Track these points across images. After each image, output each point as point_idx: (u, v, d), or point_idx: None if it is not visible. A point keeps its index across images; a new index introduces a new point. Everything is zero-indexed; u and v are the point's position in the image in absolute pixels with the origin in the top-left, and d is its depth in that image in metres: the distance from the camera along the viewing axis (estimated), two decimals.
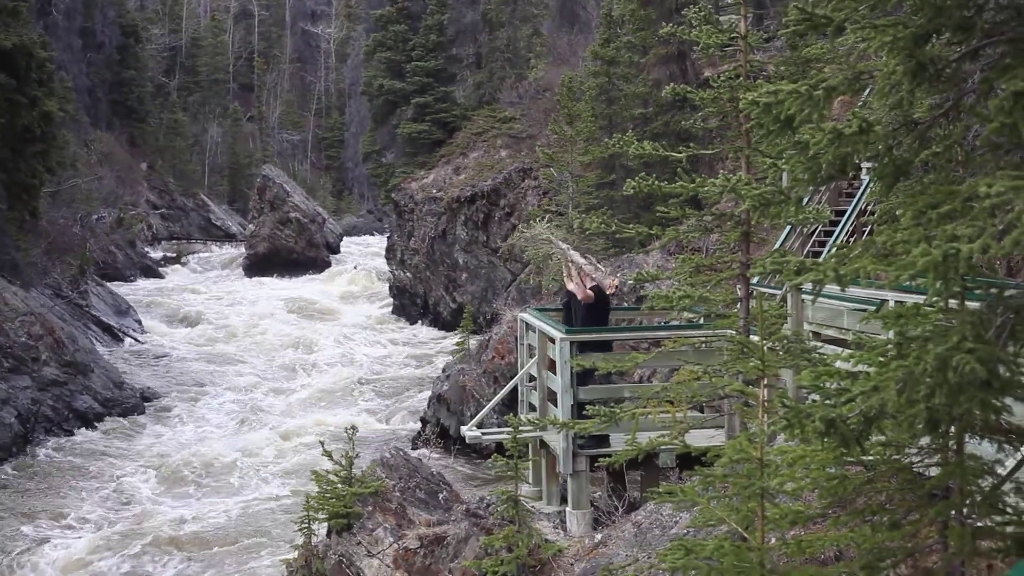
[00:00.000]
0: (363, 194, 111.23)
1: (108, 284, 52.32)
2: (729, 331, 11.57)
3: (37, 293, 37.33)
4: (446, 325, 47.66)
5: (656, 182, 11.32)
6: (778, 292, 16.15)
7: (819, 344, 12.98)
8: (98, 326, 43.50)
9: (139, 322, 47.85)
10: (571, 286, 17.36)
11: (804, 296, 14.57)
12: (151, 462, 27.10)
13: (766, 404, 7.75)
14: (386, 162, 60.96)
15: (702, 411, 15.46)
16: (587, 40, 48.28)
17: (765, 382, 7.83)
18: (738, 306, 11.41)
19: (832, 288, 7.14)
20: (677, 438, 11.25)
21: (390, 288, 55.04)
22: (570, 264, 17.53)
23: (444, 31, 56.04)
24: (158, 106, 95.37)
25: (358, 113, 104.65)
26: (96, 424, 30.55)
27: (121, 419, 31.32)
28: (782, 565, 8.04)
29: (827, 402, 6.41)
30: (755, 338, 9.18)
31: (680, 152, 11.73)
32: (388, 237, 58.93)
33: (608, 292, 16.91)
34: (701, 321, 14.14)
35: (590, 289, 16.79)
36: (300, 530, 15.60)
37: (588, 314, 16.81)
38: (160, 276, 67.07)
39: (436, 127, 54.29)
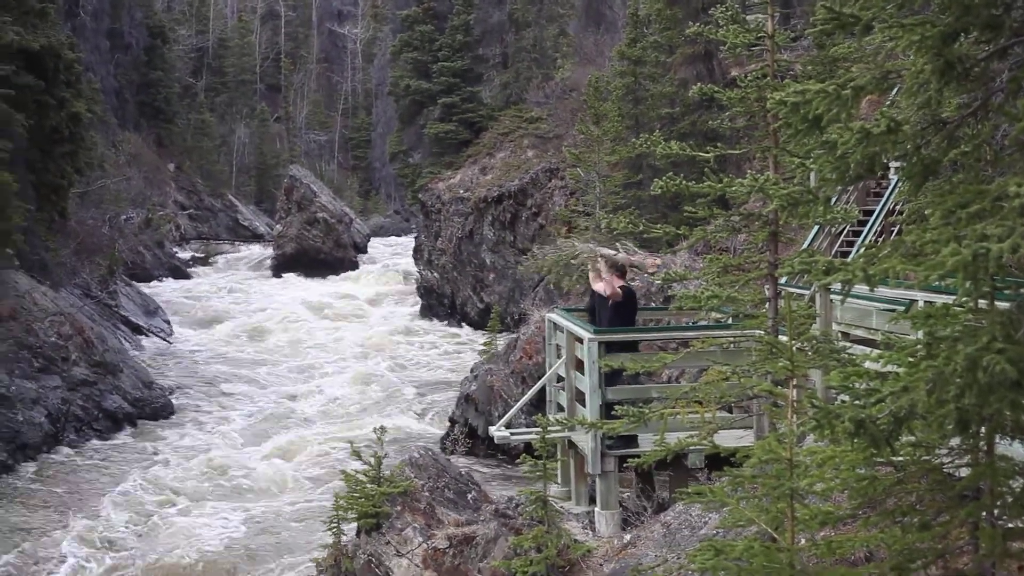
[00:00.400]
0: (390, 194, 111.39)
1: (137, 284, 52.52)
2: (757, 331, 11.55)
3: (66, 293, 37.50)
4: (473, 325, 47.70)
5: (684, 182, 11.31)
6: (806, 292, 16.10)
7: (848, 344, 12.94)
8: (127, 326, 43.66)
9: (168, 322, 48.02)
10: (598, 286, 17.34)
11: (833, 296, 14.53)
12: (179, 462, 27.18)
13: (795, 404, 7.73)
14: (413, 162, 61.07)
15: (731, 411, 15.44)
16: (613, 40, 48.26)
17: (794, 382, 7.82)
18: (766, 306, 11.39)
19: (861, 288, 7.12)
20: (706, 439, 11.23)
21: (417, 288, 55.10)
22: (598, 263, 17.50)
23: (470, 31, 56.10)
24: (185, 107, 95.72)
25: (385, 113, 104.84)
26: (126, 424, 30.66)
27: (150, 419, 31.44)
28: (812, 566, 8.02)
29: (857, 402, 6.39)
30: (784, 338, 9.16)
31: (708, 152, 11.72)
32: (415, 237, 59.02)
33: (650, 271, 16.85)
34: (729, 321, 14.11)
35: (619, 288, 16.77)
36: (329, 530, 15.64)
37: (615, 313, 16.77)
38: (188, 276, 67.29)
39: (463, 127, 54.35)
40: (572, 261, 23.03)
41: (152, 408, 32.03)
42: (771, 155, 10.97)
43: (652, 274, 17.20)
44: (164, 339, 44.95)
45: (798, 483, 7.48)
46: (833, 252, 22.78)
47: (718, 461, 13.86)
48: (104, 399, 30.76)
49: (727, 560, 7.56)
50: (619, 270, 17.25)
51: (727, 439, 13.16)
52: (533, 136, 49.28)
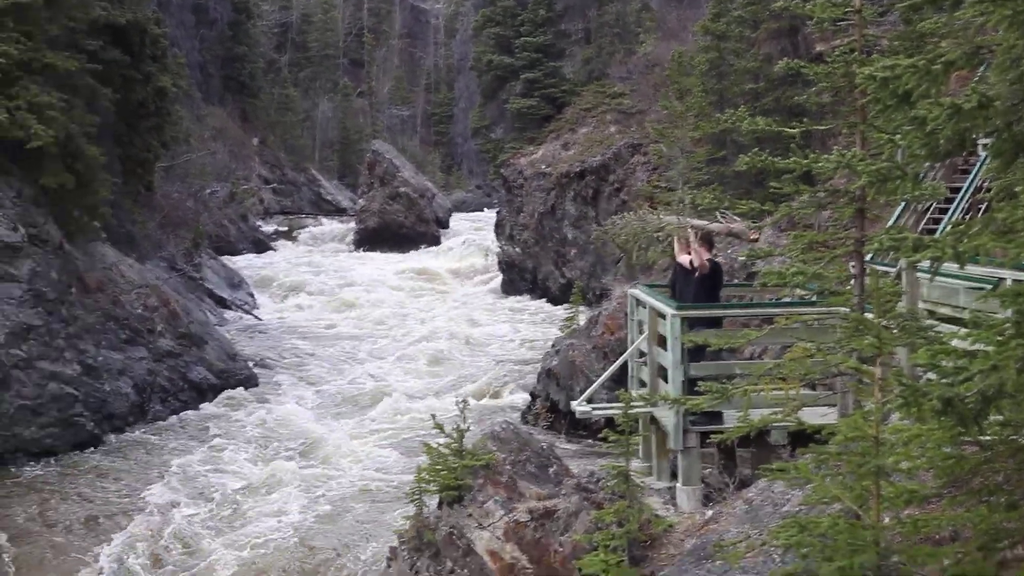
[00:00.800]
0: (472, 169, 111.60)
1: (221, 257, 53.05)
2: (843, 308, 11.48)
3: (152, 266, 37.98)
4: (555, 300, 47.68)
5: (769, 158, 11.25)
6: (891, 269, 15.96)
7: (934, 323, 12.83)
8: (211, 299, 44.15)
9: (251, 295, 48.51)
10: (683, 258, 17.30)
11: (920, 274, 14.40)
12: (261, 434, 27.45)
13: (881, 382, 7.69)
14: (495, 137, 61.11)
15: (814, 389, 15.37)
16: (697, 14, 47.93)
17: (881, 360, 7.78)
18: (852, 283, 11.30)
19: (949, 266, 7.06)
20: (790, 415, 11.19)
21: (499, 263, 55.16)
22: (687, 234, 17.45)
23: (553, 6, 56.00)
24: (269, 82, 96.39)
25: (467, 88, 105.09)
26: (210, 395, 31.01)
27: (234, 390, 31.75)
28: (896, 544, 7.98)
29: (944, 381, 6.36)
30: (870, 315, 9.11)
31: (793, 128, 11.64)
32: (497, 212, 59.06)
33: (752, 237, 16.73)
34: (813, 298, 14.03)
35: (706, 260, 16.73)
36: (411, 502, 15.74)
37: (701, 287, 16.74)
38: (272, 250, 67.88)
39: (545, 102, 54.30)
40: (656, 235, 22.94)
41: (236, 380, 32.35)
42: (858, 131, 10.87)
43: (754, 240, 17.08)
44: (248, 312, 45.41)
45: (884, 461, 7.45)
46: (919, 229, 22.54)
47: (801, 438, 13.81)
48: (189, 370, 31.13)
49: (811, 537, 7.56)
50: (708, 243, 17.19)
51: (811, 416, 13.11)
52: (616, 111, 49.12)
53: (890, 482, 7.68)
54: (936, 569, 7.93)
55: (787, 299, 16.99)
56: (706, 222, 17.22)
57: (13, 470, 24.26)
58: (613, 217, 29.81)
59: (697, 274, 16.80)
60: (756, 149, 11.63)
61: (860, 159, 9.75)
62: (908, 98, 6.47)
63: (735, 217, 17.25)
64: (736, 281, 23.78)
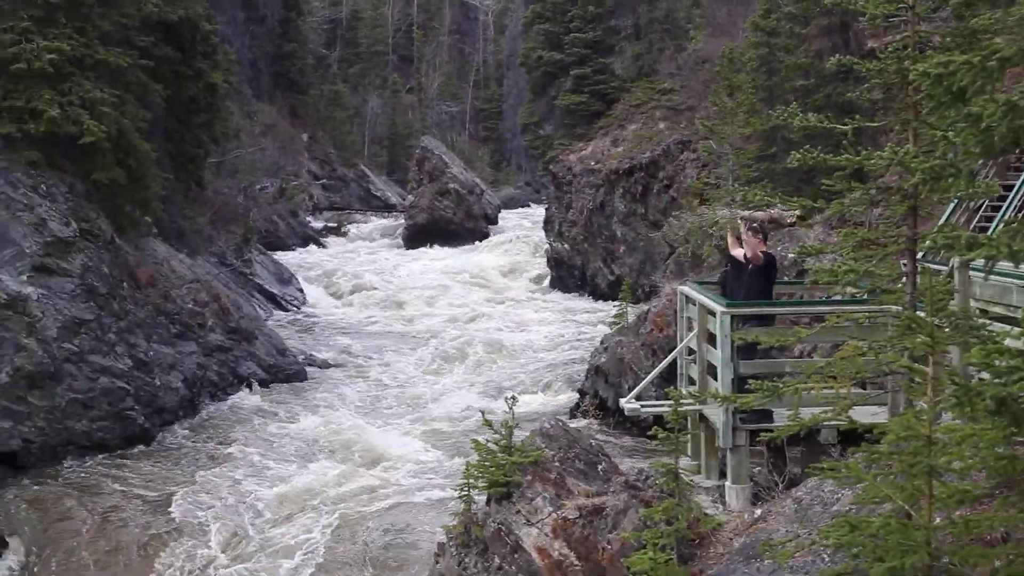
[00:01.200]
0: (521, 165, 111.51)
1: (270, 253, 53.33)
2: (894, 306, 11.40)
3: (203, 261, 38.18)
4: (603, 297, 47.66)
5: (821, 154, 11.19)
6: (943, 268, 15.85)
7: (987, 321, 12.71)
8: (261, 294, 44.39)
9: (301, 291, 48.72)
10: (737, 251, 17.22)
11: (972, 272, 14.28)
12: (309, 429, 27.57)
13: (934, 381, 7.63)
14: (544, 134, 61.05)
15: (864, 387, 15.27)
16: (747, 11, 47.66)
17: (934, 359, 7.72)
18: (903, 281, 11.22)
19: (1002, 264, 7.00)
20: (841, 414, 11.12)
21: (548, 260, 55.16)
22: (739, 228, 17.36)
23: (603, 2, 55.89)
24: (319, 78, 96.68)
25: (516, 85, 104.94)
26: (259, 390, 31.19)
27: (283, 385, 31.92)
28: (947, 545, 7.92)
29: (998, 380, 6.30)
30: (922, 314, 9.04)
31: (845, 124, 11.57)
32: (546, 209, 59.05)
33: (789, 222, 16.63)
34: (864, 296, 13.93)
35: (761, 253, 16.64)
36: (460, 498, 15.76)
37: (755, 279, 16.62)
38: (321, 245, 68.14)
39: (594, 99, 54.22)
40: (710, 230, 22.88)
41: (285, 375, 32.54)
42: (911, 128, 10.79)
43: (791, 224, 17.01)
44: (297, 307, 45.62)
45: (936, 460, 7.39)
46: (971, 227, 22.35)
47: (850, 437, 13.73)
48: (239, 365, 31.33)
49: (863, 536, 7.51)
50: (761, 234, 17.08)
51: (861, 415, 13.02)
52: (665, 108, 49.00)
53: (942, 482, 7.62)
54: (987, 570, 7.87)
55: (837, 297, 16.90)
56: (751, 212, 17.11)
57: (65, 463, 24.47)
58: (671, 219, 29.81)
59: (751, 266, 16.70)
60: (807, 146, 11.57)
61: (913, 156, 9.68)
62: (963, 95, 6.42)
63: (777, 204, 17.13)
64: (786, 279, 23.67)
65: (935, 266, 16.17)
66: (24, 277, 25.22)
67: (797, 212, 17.15)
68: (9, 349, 24.28)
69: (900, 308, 10.83)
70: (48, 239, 25.93)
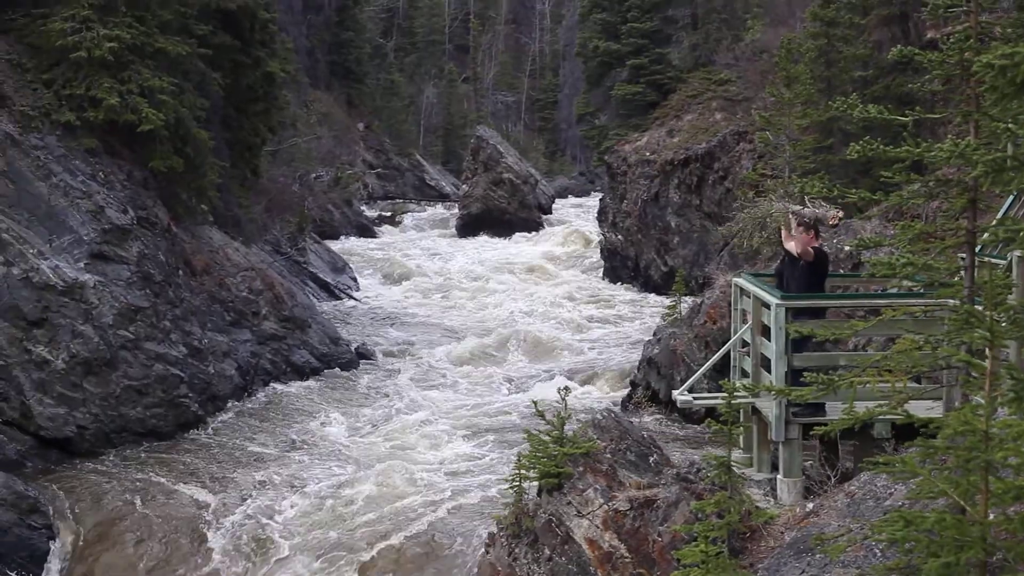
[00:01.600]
0: (575, 156, 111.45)
1: (325, 242, 53.51)
2: (951, 300, 11.29)
3: (257, 249, 38.32)
4: (657, 288, 47.45)
5: (881, 146, 11.07)
6: (1002, 262, 15.68)
7: None
8: (315, 282, 44.54)
9: (355, 279, 48.87)
10: (789, 245, 17.15)
11: None
12: (361, 418, 27.67)
13: (992, 376, 7.55)
14: (599, 124, 60.98)
15: (919, 382, 15.15)
16: (806, 1, 47.38)
17: (992, 353, 7.63)
18: (961, 274, 11.10)
19: None
20: (897, 408, 11.02)
21: (601, 250, 55.03)
22: (790, 222, 17.28)
23: None
24: (375, 67, 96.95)
25: (572, 75, 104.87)
26: (312, 378, 31.30)
27: (336, 373, 32.01)
28: (1001, 540, 7.84)
29: None
30: (980, 308, 8.93)
31: (905, 116, 11.44)
32: (600, 199, 58.92)
33: (832, 223, 16.55)
34: (920, 290, 13.81)
35: (811, 248, 16.56)
36: (511, 488, 15.78)
37: (805, 275, 16.57)
38: (375, 235, 68.37)
39: (650, 89, 53.99)
40: (765, 220, 22.74)
41: (338, 363, 32.62)
42: (972, 119, 10.66)
43: (834, 226, 16.85)
44: (351, 296, 45.75)
45: (993, 456, 7.31)
46: None
47: (904, 432, 13.62)
48: (292, 353, 31.43)
49: (917, 532, 7.44)
50: (812, 229, 16.98)
51: (916, 410, 12.92)
52: (721, 99, 48.73)
53: (998, 477, 7.54)
54: None
55: (893, 290, 16.77)
56: (800, 207, 16.99)
57: (118, 450, 24.64)
58: (737, 214, 29.67)
59: (801, 262, 16.65)
60: (867, 137, 11.45)
61: (974, 148, 9.56)
62: None
63: (822, 202, 16.99)
64: (841, 271, 23.51)
65: (995, 260, 16.02)
66: (81, 264, 25.42)
67: (840, 213, 16.97)
68: (66, 336, 24.48)
69: (958, 302, 10.71)
70: (105, 226, 26.11)
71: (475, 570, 17.11)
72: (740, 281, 18.01)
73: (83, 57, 26.91)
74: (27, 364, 23.96)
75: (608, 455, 15.30)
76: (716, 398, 15.47)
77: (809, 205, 17.07)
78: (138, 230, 26.89)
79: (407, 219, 76.46)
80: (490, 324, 40.17)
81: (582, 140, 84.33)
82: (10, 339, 23.88)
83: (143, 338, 25.96)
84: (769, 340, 16.03)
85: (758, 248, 28.00)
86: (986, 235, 8.63)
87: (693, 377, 18.24)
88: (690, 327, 26.59)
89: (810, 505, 13.80)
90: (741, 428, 16.72)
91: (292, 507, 21.35)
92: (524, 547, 15.01)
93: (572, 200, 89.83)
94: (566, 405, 15.54)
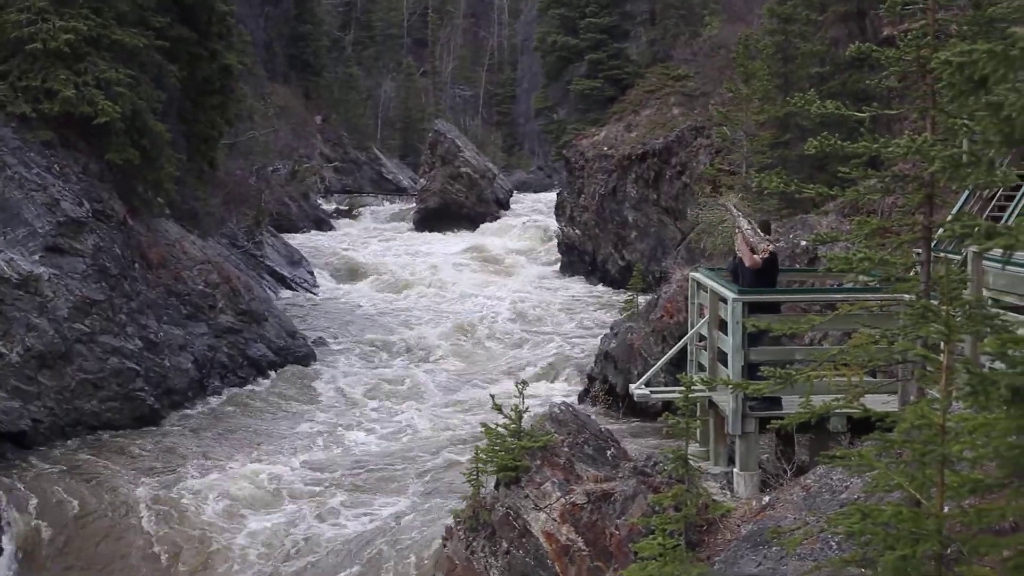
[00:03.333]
0: (534, 150, 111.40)
1: (282, 235, 53.31)
2: (907, 295, 11.38)
3: (214, 242, 38.15)
4: (614, 282, 47.58)
5: (838, 141, 11.14)
6: (956, 257, 15.81)
7: (999, 311, 12.69)
8: (272, 276, 44.39)
9: (311, 273, 48.72)
10: (740, 252, 17.27)
11: (987, 262, 14.24)
12: (319, 412, 27.67)
13: (948, 370, 7.61)
14: (558, 118, 61.05)
15: (874, 376, 15.25)
16: None
17: (948, 347, 7.69)
18: (917, 270, 11.18)
19: (1017, 255, 6.98)
20: (853, 402, 11.10)
21: (559, 245, 55.08)
22: (738, 230, 17.42)
23: None
24: (333, 60, 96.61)
25: (530, 69, 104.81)
26: (269, 371, 31.20)
27: (293, 366, 31.92)
28: (956, 534, 7.91)
29: (1013, 370, 6.28)
30: (936, 303, 9.00)
31: (863, 112, 11.52)
32: (558, 194, 58.98)
33: (761, 256, 16.75)
34: (875, 284, 13.91)
35: (764, 254, 16.67)
36: (468, 482, 15.79)
37: (755, 281, 16.71)
38: (332, 228, 68.21)
39: (609, 84, 54.11)
40: (721, 224, 22.90)
41: (295, 357, 32.53)
42: (929, 116, 10.74)
43: (764, 251, 16.97)
44: (307, 290, 45.62)
45: (948, 449, 7.37)
46: (984, 217, 22.27)
47: (860, 426, 13.72)
48: (249, 347, 31.30)
49: (874, 525, 7.50)
50: (764, 228, 17.12)
51: (872, 404, 13.01)
52: (679, 94, 48.87)
53: (954, 471, 7.60)
54: (996, 559, 7.86)
55: (849, 285, 16.89)
56: (747, 224, 17.13)
57: (73, 443, 24.46)
58: (696, 211, 29.78)
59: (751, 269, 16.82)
60: (824, 133, 11.52)
61: (931, 144, 9.64)
62: (984, 84, 6.38)
63: (758, 230, 17.13)
64: (797, 266, 23.63)
65: (948, 255, 16.15)
66: (36, 257, 25.24)
67: (771, 247, 17.09)
68: (20, 329, 24.30)
69: (914, 297, 10.79)
70: (60, 219, 25.94)
71: (433, 563, 17.11)
72: (697, 276, 18.10)
73: (39, 48, 26.74)
74: None
75: (566, 448, 15.33)
76: (673, 392, 15.56)
77: (749, 225, 17.16)
78: (94, 223, 26.71)
79: (365, 212, 76.31)
80: (446, 318, 40.14)
81: (540, 134, 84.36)
82: None
83: (98, 331, 25.78)
84: (726, 334, 16.11)
85: (714, 248, 28.18)
86: (942, 231, 8.68)
87: (650, 371, 18.32)
88: (647, 321, 26.66)
89: (766, 498, 13.87)
90: (698, 422, 16.77)
91: (242, 502, 21.34)
92: (482, 540, 15.02)
93: (530, 195, 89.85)
94: (523, 399, 15.55)
